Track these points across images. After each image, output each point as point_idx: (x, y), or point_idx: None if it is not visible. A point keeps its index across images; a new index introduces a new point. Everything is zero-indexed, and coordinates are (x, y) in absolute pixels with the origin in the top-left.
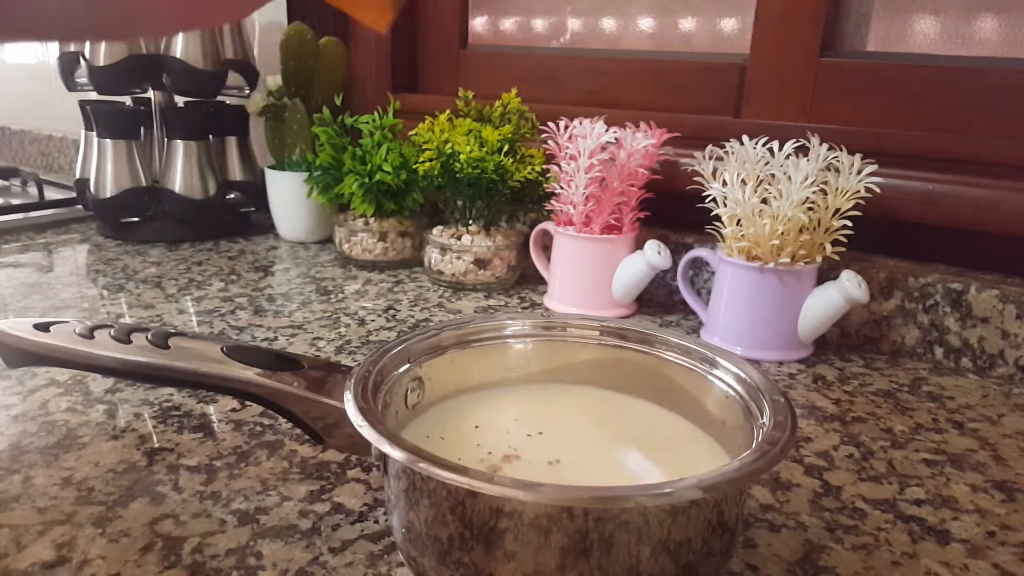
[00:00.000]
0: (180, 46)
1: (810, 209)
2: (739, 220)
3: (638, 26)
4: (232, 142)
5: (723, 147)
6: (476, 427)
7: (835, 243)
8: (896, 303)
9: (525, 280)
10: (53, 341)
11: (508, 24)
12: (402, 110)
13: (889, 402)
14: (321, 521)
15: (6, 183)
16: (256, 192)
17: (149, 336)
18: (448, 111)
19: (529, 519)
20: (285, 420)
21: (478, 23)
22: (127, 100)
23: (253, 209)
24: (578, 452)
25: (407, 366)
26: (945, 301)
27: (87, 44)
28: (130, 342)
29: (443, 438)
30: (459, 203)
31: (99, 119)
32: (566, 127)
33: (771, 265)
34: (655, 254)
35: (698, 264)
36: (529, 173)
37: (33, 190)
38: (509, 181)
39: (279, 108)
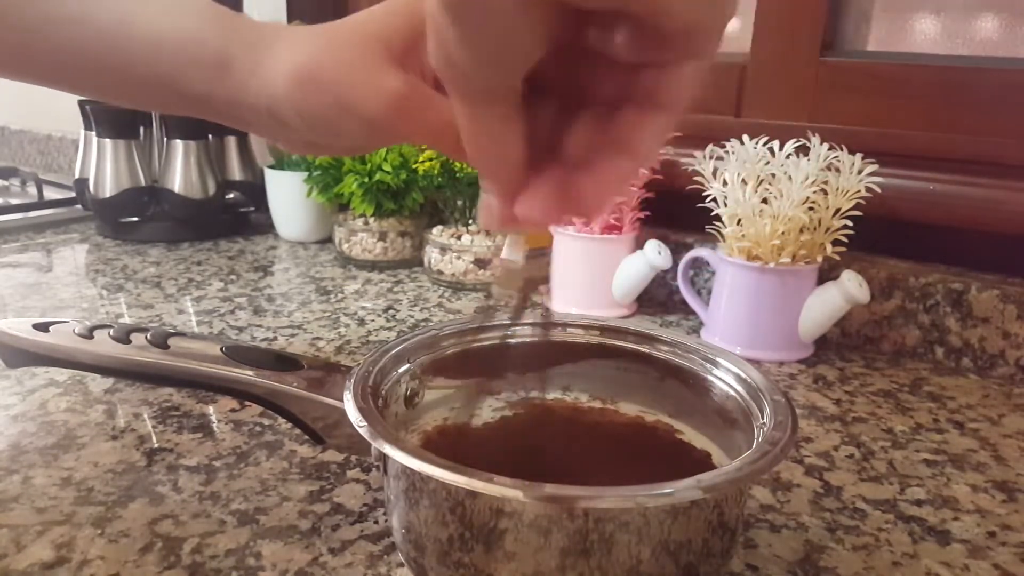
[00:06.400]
0: None
1: (811, 209)
2: (739, 220)
3: None
4: (232, 142)
5: (723, 147)
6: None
7: (836, 243)
8: (897, 303)
9: None
10: (52, 341)
11: None
12: None
13: (890, 402)
14: (321, 521)
15: (5, 183)
16: (255, 192)
17: (148, 336)
18: None
19: (529, 519)
20: (285, 420)
21: None
22: None
23: (252, 209)
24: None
25: (407, 366)
26: (946, 301)
27: None
28: (129, 342)
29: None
30: (459, 203)
31: (98, 119)
32: None
33: (772, 265)
34: (655, 254)
35: (698, 264)
36: None
37: (32, 190)
38: None
39: None
